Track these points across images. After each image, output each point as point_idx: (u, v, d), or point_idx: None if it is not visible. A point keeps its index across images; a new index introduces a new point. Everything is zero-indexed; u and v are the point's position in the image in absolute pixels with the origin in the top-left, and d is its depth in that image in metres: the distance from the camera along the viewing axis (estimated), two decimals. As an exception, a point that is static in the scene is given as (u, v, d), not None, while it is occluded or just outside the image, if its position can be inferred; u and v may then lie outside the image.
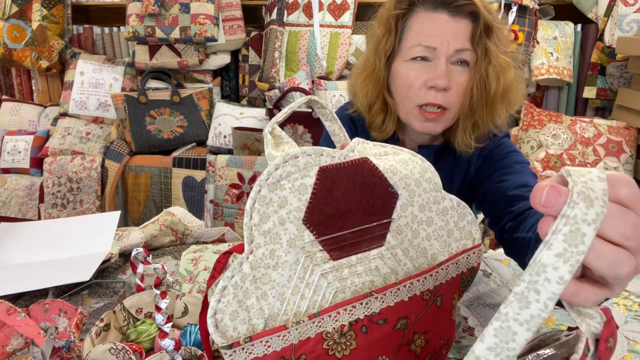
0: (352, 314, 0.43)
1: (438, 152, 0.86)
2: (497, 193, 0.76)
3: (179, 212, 1.02)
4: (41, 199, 2.19)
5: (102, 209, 2.15)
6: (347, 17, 2.29)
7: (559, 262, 0.26)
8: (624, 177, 0.28)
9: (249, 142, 2.14)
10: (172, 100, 2.27)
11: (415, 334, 0.47)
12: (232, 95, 2.51)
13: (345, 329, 0.42)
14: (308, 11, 2.30)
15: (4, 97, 2.54)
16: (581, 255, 0.26)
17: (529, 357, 0.33)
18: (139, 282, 0.67)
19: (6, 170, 2.30)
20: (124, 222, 2.15)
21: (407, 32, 0.77)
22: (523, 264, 0.67)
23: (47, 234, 0.91)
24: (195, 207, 2.11)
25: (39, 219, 2.21)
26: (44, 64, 2.37)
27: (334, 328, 0.42)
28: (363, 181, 0.42)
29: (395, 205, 0.44)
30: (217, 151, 2.24)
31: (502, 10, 2.09)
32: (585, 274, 0.30)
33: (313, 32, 2.29)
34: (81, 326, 0.61)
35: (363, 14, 2.36)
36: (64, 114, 2.37)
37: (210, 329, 0.38)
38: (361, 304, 0.43)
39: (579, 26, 2.28)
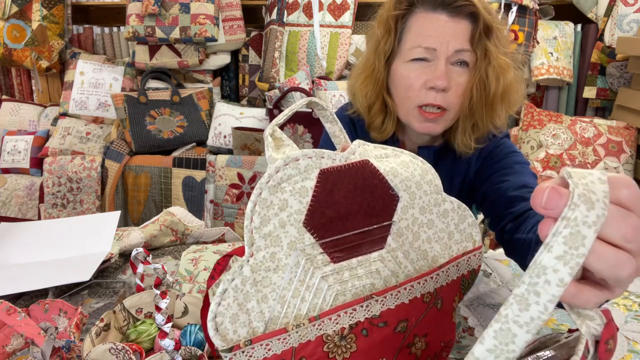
0: (353, 317, 0.43)
1: (438, 153, 0.86)
2: (497, 194, 0.75)
3: (179, 212, 1.02)
4: (41, 199, 2.19)
5: (102, 209, 2.15)
6: (347, 17, 2.29)
7: (559, 265, 0.26)
8: (625, 178, 0.28)
9: (249, 142, 2.14)
10: (172, 100, 2.27)
11: (415, 336, 0.47)
12: (232, 95, 2.51)
13: (345, 331, 0.42)
14: (308, 11, 2.30)
15: (4, 97, 2.54)
16: (581, 258, 0.26)
17: (529, 359, 0.33)
18: (139, 282, 0.67)
19: (6, 170, 2.30)
20: (124, 222, 2.15)
21: (406, 33, 0.77)
22: (524, 265, 0.67)
23: (47, 234, 0.91)
24: (195, 207, 2.11)
25: (39, 219, 2.21)
26: (44, 64, 2.37)
27: (334, 331, 0.42)
28: (364, 184, 0.42)
29: (396, 207, 0.44)
30: (217, 151, 2.24)
31: (502, 10, 2.09)
32: (585, 276, 0.30)
33: (313, 32, 2.29)
34: (81, 326, 0.61)
35: (363, 14, 2.36)
36: (64, 114, 2.37)
37: (211, 332, 0.38)
38: (362, 306, 0.43)
39: (579, 26, 2.28)
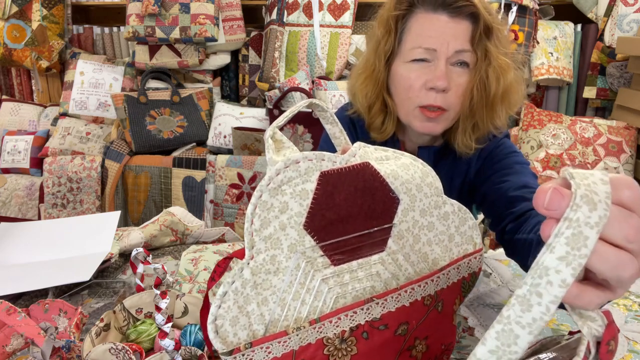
0: (353, 320, 0.43)
1: (438, 153, 0.86)
2: (498, 194, 0.75)
3: (179, 212, 1.02)
4: (41, 199, 2.19)
5: (102, 209, 2.15)
6: (347, 17, 2.29)
7: (561, 265, 0.26)
8: (627, 179, 0.28)
9: (249, 142, 2.14)
10: (172, 100, 2.27)
11: (416, 339, 0.47)
12: (232, 95, 2.51)
13: (346, 334, 0.42)
14: (308, 11, 2.30)
15: (4, 97, 2.54)
16: (584, 259, 0.25)
17: None
18: (139, 282, 0.67)
19: (6, 170, 2.30)
20: (124, 222, 2.15)
21: (406, 33, 0.77)
22: (524, 266, 0.67)
23: (47, 234, 0.91)
24: (195, 207, 2.11)
25: (39, 219, 2.21)
26: (44, 64, 2.37)
27: (334, 334, 0.42)
28: (364, 186, 0.42)
29: (396, 210, 0.44)
30: (217, 151, 2.24)
31: (502, 10, 2.09)
32: (587, 277, 0.30)
33: (313, 32, 2.29)
34: (81, 326, 0.61)
35: (363, 14, 2.36)
36: (64, 114, 2.37)
37: (211, 334, 0.38)
38: (362, 309, 0.43)
39: (579, 26, 2.28)
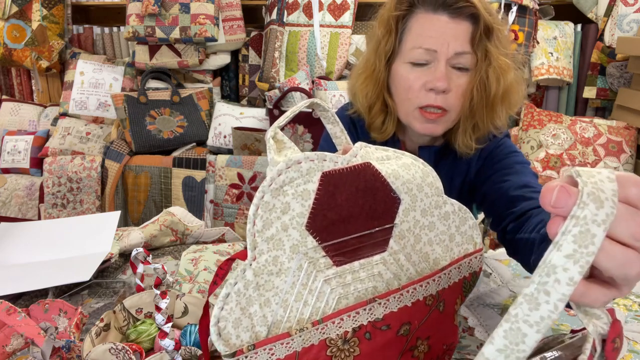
0: (356, 320, 0.43)
1: (438, 153, 0.86)
2: (498, 194, 0.75)
3: (179, 212, 1.02)
4: (41, 199, 2.19)
5: (102, 209, 2.15)
6: (347, 17, 2.29)
7: (569, 263, 0.26)
8: (634, 177, 0.28)
9: (249, 142, 2.14)
10: (172, 100, 2.27)
11: (418, 339, 0.47)
12: (232, 95, 2.51)
13: (348, 335, 0.42)
14: (308, 11, 2.30)
15: (4, 97, 2.54)
16: (591, 256, 0.25)
17: (535, 359, 0.33)
18: (139, 282, 0.67)
19: (6, 170, 2.30)
20: (124, 222, 2.15)
21: (407, 34, 0.77)
22: (526, 265, 0.67)
23: (47, 234, 0.91)
24: (195, 207, 2.11)
25: (39, 219, 2.21)
26: (44, 64, 2.37)
27: (337, 335, 0.42)
28: (366, 186, 0.42)
29: (397, 210, 0.44)
30: (217, 151, 2.24)
31: (502, 10, 2.09)
32: (593, 275, 0.30)
33: (313, 32, 2.29)
34: (81, 326, 0.61)
35: (363, 14, 2.36)
36: (64, 114, 2.37)
37: (213, 337, 0.38)
38: (364, 310, 0.43)
39: (579, 26, 2.28)
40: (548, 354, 0.33)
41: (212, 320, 0.38)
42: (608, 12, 2.15)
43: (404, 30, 0.77)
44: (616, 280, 0.29)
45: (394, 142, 0.87)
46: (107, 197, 2.13)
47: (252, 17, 2.43)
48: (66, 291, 0.81)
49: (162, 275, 0.61)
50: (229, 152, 2.21)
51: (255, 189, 2.05)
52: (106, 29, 2.51)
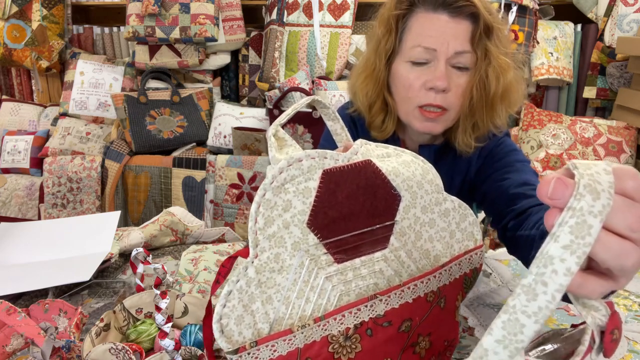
0: (357, 317, 0.43)
1: (438, 152, 0.86)
2: (499, 192, 0.76)
3: (179, 212, 1.02)
4: (41, 199, 2.19)
5: (102, 209, 2.15)
6: (347, 17, 2.29)
7: (566, 254, 0.26)
8: (631, 169, 0.28)
9: (249, 142, 2.14)
10: (172, 100, 2.27)
11: (419, 336, 0.47)
12: (232, 95, 2.51)
13: (350, 332, 0.42)
14: (308, 11, 2.30)
15: (4, 97, 2.54)
16: (588, 247, 0.26)
17: (533, 352, 0.33)
18: (139, 282, 0.67)
19: (6, 170, 2.30)
20: (124, 222, 2.15)
21: (407, 33, 0.77)
22: (526, 262, 0.67)
23: (47, 234, 0.91)
24: (195, 207, 2.11)
25: (39, 219, 2.21)
26: (44, 64, 2.37)
27: (339, 331, 0.42)
28: (366, 184, 0.42)
29: (398, 207, 0.44)
30: (217, 151, 2.24)
31: (502, 10, 2.09)
32: (590, 266, 0.31)
33: (313, 32, 2.29)
34: (81, 326, 0.61)
35: (363, 14, 2.36)
36: (64, 114, 2.37)
37: (216, 334, 0.38)
38: (366, 306, 0.43)
39: (579, 26, 2.28)
40: (547, 346, 0.33)
41: (215, 318, 0.38)
42: (608, 12, 2.15)
43: (404, 29, 0.78)
44: (613, 271, 0.29)
45: (394, 140, 0.87)
46: (107, 197, 2.13)
47: (252, 17, 2.43)
48: (66, 291, 0.81)
49: (162, 275, 0.61)
50: (229, 152, 2.21)
51: (255, 189, 2.05)
52: (106, 29, 2.51)
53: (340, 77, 2.32)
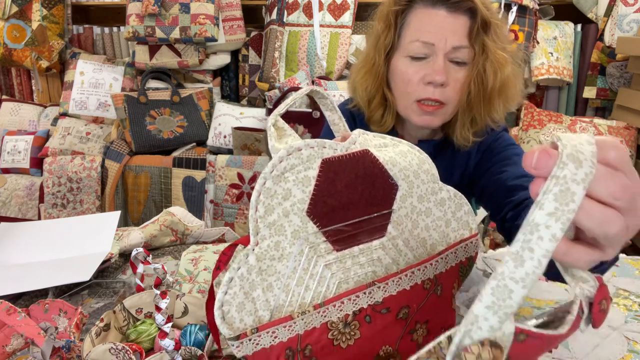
0: (356, 304, 0.43)
1: (437, 147, 0.87)
2: (497, 184, 0.76)
3: (179, 212, 1.02)
4: (41, 199, 2.19)
5: (102, 209, 2.15)
6: (347, 17, 2.29)
7: (550, 221, 0.27)
8: (613, 141, 0.29)
9: (249, 142, 2.14)
10: (172, 100, 2.27)
11: (417, 323, 0.47)
12: (232, 95, 2.51)
13: (349, 318, 0.43)
14: (308, 11, 2.30)
15: (4, 97, 2.54)
16: (572, 213, 0.27)
17: (528, 322, 0.33)
18: (139, 282, 0.67)
19: (6, 170, 2.30)
20: (124, 222, 2.15)
21: (406, 28, 0.78)
22: None
23: (47, 234, 0.91)
24: (195, 207, 2.11)
25: (39, 219, 2.21)
26: (44, 64, 2.37)
27: (338, 318, 0.42)
28: (364, 173, 0.43)
29: (395, 196, 0.45)
30: (217, 151, 2.24)
31: (502, 10, 2.09)
32: (578, 237, 0.32)
33: (313, 32, 2.29)
34: (81, 326, 0.61)
35: (363, 14, 2.36)
36: (64, 114, 2.37)
37: (217, 320, 0.39)
38: (365, 293, 0.43)
39: (579, 26, 2.28)
40: (539, 320, 0.33)
41: (216, 304, 0.39)
42: (608, 12, 2.15)
43: (402, 25, 0.79)
44: (599, 240, 0.30)
45: (393, 135, 0.89)
46: (107, 197, 2.13)
47: (252, 17, 2.43)
48: (66, 291, 0.81)
49: (162, 275, 0.61)
50: (229, 152, 2.21)
51: (255, 189, 2.04)
52: (106, 29, 2.51)
53: (340, 77, 2.32)
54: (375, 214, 0.44)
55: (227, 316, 0.39)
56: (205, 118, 2.31)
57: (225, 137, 2.22)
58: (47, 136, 2.34)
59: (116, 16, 2.55)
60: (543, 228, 0.27)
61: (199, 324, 0.63)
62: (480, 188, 0.83)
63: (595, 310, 0.31)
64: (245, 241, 0.41)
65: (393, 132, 0.88)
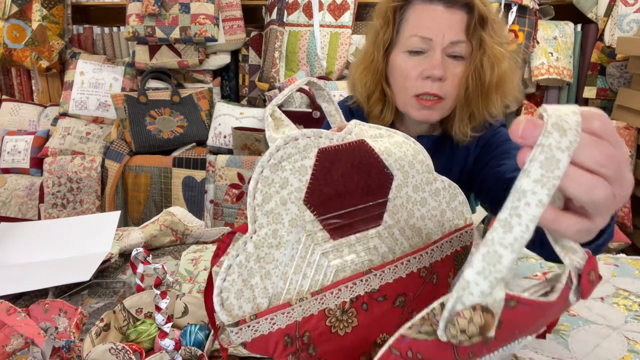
0: (353, 291, 0.44)
1: (437, 142, 0.88)
2: (496, 177, 0.77)
3: (179, 212, 1.02)
4: (41, 199, 2.19)
5: (102, 209, 2.15)
6: (347, 17, 2.29)
7: (537, 187, 0.27)
8: (598, 111, 0.30)
9: (249, 142, 2.14)
10: (172, 100, 2.27)
11: (413, 311, 0.48)
12: (232, 95, 2.51)
13: (346, 306, 0.43)
14: (308, 11, 2.30)
15: (4, 97, 2.54)
16: (557, 180, 0.27)
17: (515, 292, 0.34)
18: (139, 282, 0.67)
19: (6, 170, 2.30)
20: (124, 222, 2.15)
21: (404, 24, 0.79)
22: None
23: (47, 234, 0.91)
24: (195, 207, 2.11)
25: (39, 219, 2.21)
26: (44, 64, 2.37)
27: (336, 305, 0.43)
28: (360, 162, 0.43)
29: (390, 186, 0.46)
30: (217, 151, 2.24)
31: (502, 10, 2.09)
32: (567, 207, 0.32)
33: (313, 32, 2.29)
34: (81, 326, 0.61)
35: (363, 14, 2.36)
36: (64, 114, 2.37)
37: (217, 307, 0.39)
38: (361, 280, 0.44)
39: (579, 26, 2.28)
40: (530, 289, 0.34)
41: (215, 291, 0.39)
42: (608, 12, 2.15)
43: (401, 20, 0.80)
44: (587, 208, 0.31)
45: None
46: (107, 197, 2.13)
47: (252, 17, 2.43)
48: (66, 291, 0.81)
49: (162, 275, 0.61)
50: (229, 152, 2.21)
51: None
52: (106, 29, 2.51)
53: (340, 77, 2.32)
54: (371, 203, 0.45)
55: (226, 303, 0.39)
56: (205, 118, 2.31)
57: (225, 137, 2.22)
58: (47, 136, 2.34)
59: (116, 16, 2.55)
60: (530, 194, 0.27)
61: (199, 324, 0.63)
62: (479, 182, 0.83)
63: (584, 281, 0.32)
64: (244, 229, 0.41)
65: (392, 127, 0.89)
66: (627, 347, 0.62)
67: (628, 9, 2.11)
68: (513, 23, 2.10)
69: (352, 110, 0.93)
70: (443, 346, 0.30)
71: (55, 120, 2.40)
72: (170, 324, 0.55)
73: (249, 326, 0.40)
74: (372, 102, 0.85)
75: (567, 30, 2.24)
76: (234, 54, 2.43)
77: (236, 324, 0.39)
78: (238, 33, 2.34)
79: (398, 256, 0.47)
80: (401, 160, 0.46)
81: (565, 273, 0.32)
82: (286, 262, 0.41)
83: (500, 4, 2.08)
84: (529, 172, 0.28)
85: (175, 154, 2.17)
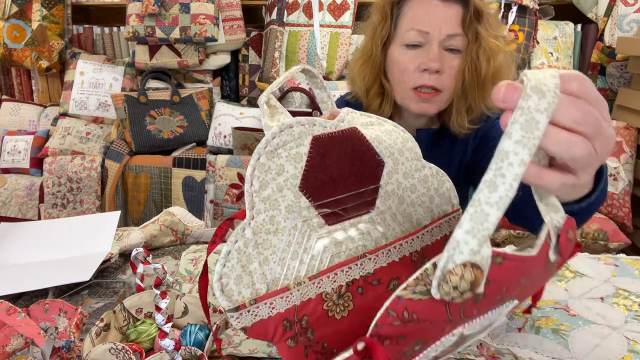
0: (349, 275, 0.45)
1: (435, 136, 0.89)
2: None
3: (179, 212, 1.02)
4: (41, 199, 2.19)
5: (102, 209, 2.15)
6: (347, 17, 2.30)
7: (518, 148, 0.29)
8: (577, 74, 0.32)
9: (249, 142, 2.14)
10: (172, 100, 2.27)
11: None
12: (232, 95, 2.51)
13: (343, 289, 0.44)
14: (308, 11, 2.30)
15: (4, 97, 2.54)
16: (537, 140, 0.29)
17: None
18: (139, 282, 0.67)
19: (6, 170, 2.30)
20: (124, 222, 2.15)
21: (401, 18, 0.81)
22: (522, 218, 0.69)
23: (47, 234, 0.91)
24: (195, 207, 2.11)
25: (39, 219, 2.21)
26: (44, 64, 2.37)
27: (332, 289, 0.44)
28: (353, 149, 0.45)
29: (382, 172, 0.47)
30: (217, 151, 2.24)
31: (502, 10, 2.09)
32: (552, 165, 0.34)
33: (313, 32, 2.29)
34: (81, 326, 0.61)
35: (363, 14, 2.36)
36: (64, 114, 2.37)
37: (217, 292, 0.40)
38: (356, 264, 0.45)
39: (579, 26, 2.28)
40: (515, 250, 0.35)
41: (215, 277, 0.40)
42: (608, 12, 2.15)
43: (398, 15, 0.82)
44: (569, 164, 0.32)
45: None
46: (107, 197, 2.13)
47: (252, 17, 2.44)
48: (66, 291, 0.81)
49: (162, 275, 0.61)
50: (229, 152, 2.21)
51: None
52: (106, 29, 2.51)
53: (340, 77, 2.32)
54: (364, 189, 0.46)
55: (226, 289, 0.40)
56: (205, 118, 2.31)
57: (225, 137, 2.23)
58: (47, 136, 2.34)
59: (116, 16, 2.55)
60: (512, 155, 0.29)
61: (199, 324, 0.63)
62: (478, 173, 0.84)
63: (563, 239, 0.33)
64: (242, 215, 0.42)
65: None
66: (627, 347, 0.62)
67: (628, 9, 2.11)
68: (513, 23, 2.10)
69: (350, 105, 0.94)
70: (437, 304, 0.31)
71: (55, 120, 2.40)
72: (170, 324, 0.55)
73: (249, 311, 0.40)
74: (370, 96, 0.86)
75: (567, 30, 2.24)
76: (234, 54, 2.43)
77: (236, 309, 0.40)
78: (238, 33, 2.34)
79: (390, 241, 0.48)
80: (391, 147, 0.48)
81: (544, 230, 0.33)
82: (283, 247, 0.42)
83: (500, 4, 2.08)
84: (511, 134, 0.29)
85: (175, 154, 2.17)
